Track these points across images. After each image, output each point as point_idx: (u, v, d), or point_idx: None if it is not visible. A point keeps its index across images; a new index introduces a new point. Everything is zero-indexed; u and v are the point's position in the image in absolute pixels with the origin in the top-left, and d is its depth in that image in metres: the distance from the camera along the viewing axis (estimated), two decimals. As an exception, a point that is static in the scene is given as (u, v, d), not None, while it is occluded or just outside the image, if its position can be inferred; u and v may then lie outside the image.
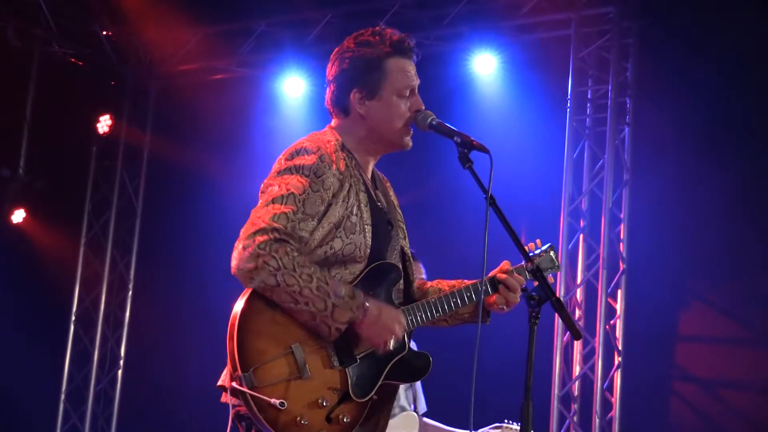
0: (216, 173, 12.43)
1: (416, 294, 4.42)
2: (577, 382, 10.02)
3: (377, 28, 4.37)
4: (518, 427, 7.49)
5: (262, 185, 4.10)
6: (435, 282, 4.52)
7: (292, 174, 4.03)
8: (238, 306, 3.92)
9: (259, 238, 3.86)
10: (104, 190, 13.15)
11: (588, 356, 10.02)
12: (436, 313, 4.23)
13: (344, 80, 4.27)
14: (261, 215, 3.94)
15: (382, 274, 4.15)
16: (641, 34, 10.35)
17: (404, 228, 4.43)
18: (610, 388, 9.86)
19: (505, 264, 4.39)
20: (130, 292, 13.04)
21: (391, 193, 4.50)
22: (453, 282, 4.46)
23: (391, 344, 4.01)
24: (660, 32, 10.27)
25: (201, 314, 11.68)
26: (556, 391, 9.99)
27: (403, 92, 4.24)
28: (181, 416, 11.60)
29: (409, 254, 4.39)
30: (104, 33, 12.49)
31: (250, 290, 3.93)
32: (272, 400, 3.79)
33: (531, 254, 4.46)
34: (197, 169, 12.53)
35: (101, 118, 12.72)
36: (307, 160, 4.05)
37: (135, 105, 13.10)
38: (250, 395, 3.79)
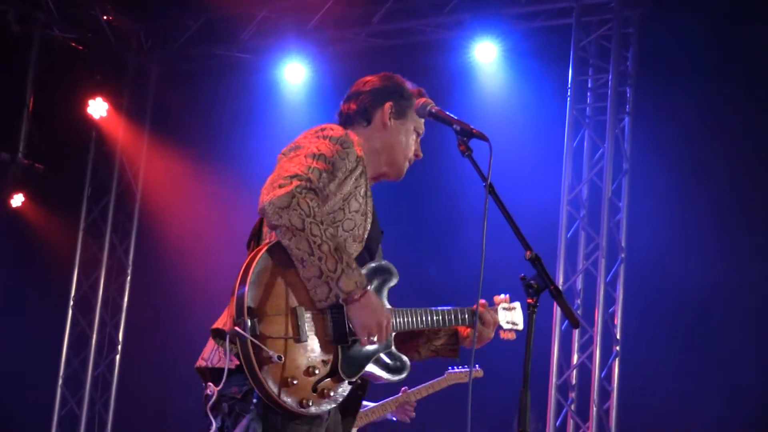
0: (216, 158, 12.43)
1: None
2: (575, 371, 10.03)
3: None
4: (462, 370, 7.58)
5: (285, 149, 4.19)
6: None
7: (321, 140, 4.16)
8: (254, 256, 3.98)
9: (296, 182, 3.95)
10: (103, 174, 13.14)
11: (586, 345, 10.03)
12: (420, 323, 4.36)
13: (382, 94, 4.49)
14: (296, 164, 4.05)
15: (384, 274, 4.27)
16: (642, 24, 10.35)
17: None
18: (608, 377, 9.87)
19: (481, 302, 4.53)
20: (129, 277, 13.04)
21: None
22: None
23: (374, 340, 4.08)
24: (660, 22, 10.26)
25: (199, 299, 11.67)
26: (554, 380, 10.00)
27: (418, 130, 4.53)
28: (179, 401, 11.59)
29: None
30: (105, 18, 12.48)
31: (267, 246, 3.99)
32: (271, 352, 3.84)
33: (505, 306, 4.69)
34: (197, 154, 12.54)
35: (90, 102, 12.65)
36: (335, 133, 4.20)
37: (135, 90, 13.08)
38: (251, 341, 3.84)
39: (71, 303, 12.93)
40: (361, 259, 4.20)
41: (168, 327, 12.20)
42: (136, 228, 13.14)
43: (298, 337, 3.94)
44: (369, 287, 4.02)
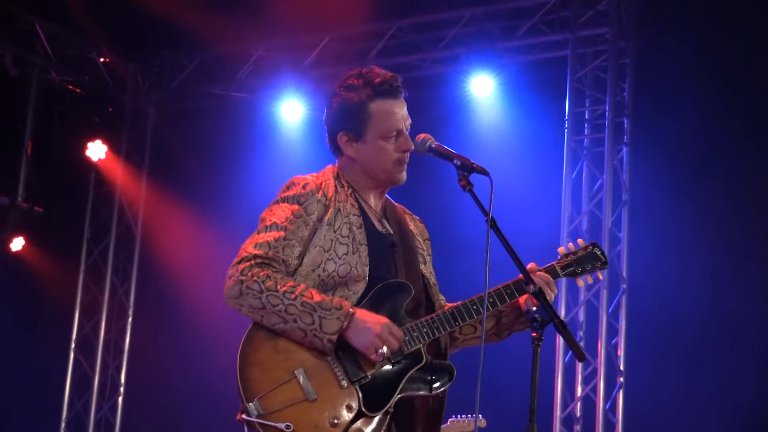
0: (215, 197, 12.44)
1: None
2: (579, 404, 9.99)
3: (364, 69, 4.41)
4: (465, 420, 7.54)
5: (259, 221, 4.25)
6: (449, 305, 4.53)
7: (278, 204, 4.22)
8: (242, 340, 4.06)
9: (241, 266, 4.04)
10: (103, 216, 13.14)
11: (590, 377, 9.99)
12: (456, 321, 4.23)
13: (331, 123, 4.41)
14: (245, 245, 4.14)
15: (391, 292, 4.21)
16: (637, 54, 10.38)
17: (425, 256, 4.50)
18: (612, 409, 9.83)
19: (531, 265, 4.40)
20: (130, 319, 13.01)
21: (412, 225, 4.56)
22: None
23: (384, 351, 4.03)
24: (656, 52, 10.30)
25: (200, 340, 11.66)
26: (558, 413, 9.96)
27: (387, 134, 4.32)
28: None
29: (431, 280, 4.46)
30: (102, 60, 12.53)
31: (250, 324, 4.08)
32: (278, 425, 3.90)
33: (568, 251, 4.51)
34: (196, 194, 12.54)
35: (89, 144, 12.67)
36: (293, 191, 4.23)
37: (133, 131, 13.11)
38: (258, 423, 3.92)
39: (73, 345, 12.89)
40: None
41: (170, 368, 12.17)
42: (137, 269, 13.13)
43: (306, 398, 3.97)
44: (351, 312, 4.01)
